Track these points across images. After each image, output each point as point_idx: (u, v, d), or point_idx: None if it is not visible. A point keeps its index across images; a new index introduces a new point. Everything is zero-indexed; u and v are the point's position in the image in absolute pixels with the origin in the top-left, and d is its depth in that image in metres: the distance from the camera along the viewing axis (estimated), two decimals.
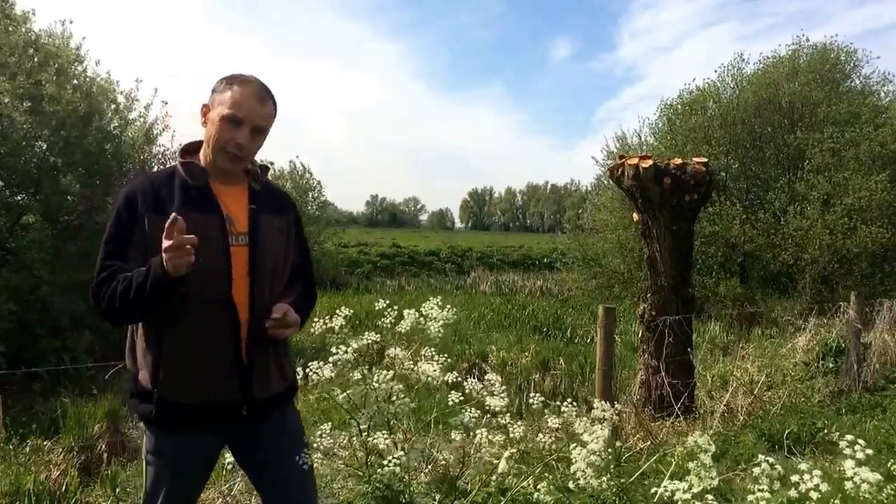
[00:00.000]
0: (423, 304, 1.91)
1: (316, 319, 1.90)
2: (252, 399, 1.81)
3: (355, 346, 1.80)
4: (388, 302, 1.90)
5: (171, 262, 1.59)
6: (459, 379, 1.90)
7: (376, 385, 1.76)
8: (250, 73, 1.86)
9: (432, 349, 1.92)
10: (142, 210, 1.74)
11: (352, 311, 1.89)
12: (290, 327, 1.80)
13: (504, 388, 1.83)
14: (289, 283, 1.94)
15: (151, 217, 1.72)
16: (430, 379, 1.84)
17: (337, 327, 1.84)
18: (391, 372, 1.80)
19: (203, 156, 1.86)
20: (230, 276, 1.77)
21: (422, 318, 1.88)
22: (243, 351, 1.79)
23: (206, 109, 1.84)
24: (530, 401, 1.82)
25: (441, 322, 1.87)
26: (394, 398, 1.77)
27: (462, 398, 1.80)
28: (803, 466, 1.19)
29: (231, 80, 1.82)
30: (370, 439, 1.72)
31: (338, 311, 1.85)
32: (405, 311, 1.89)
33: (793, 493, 1.18)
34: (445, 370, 1.88)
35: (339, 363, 1.81)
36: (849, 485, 1.14)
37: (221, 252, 1.76)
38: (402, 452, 1.69)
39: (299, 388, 2.01)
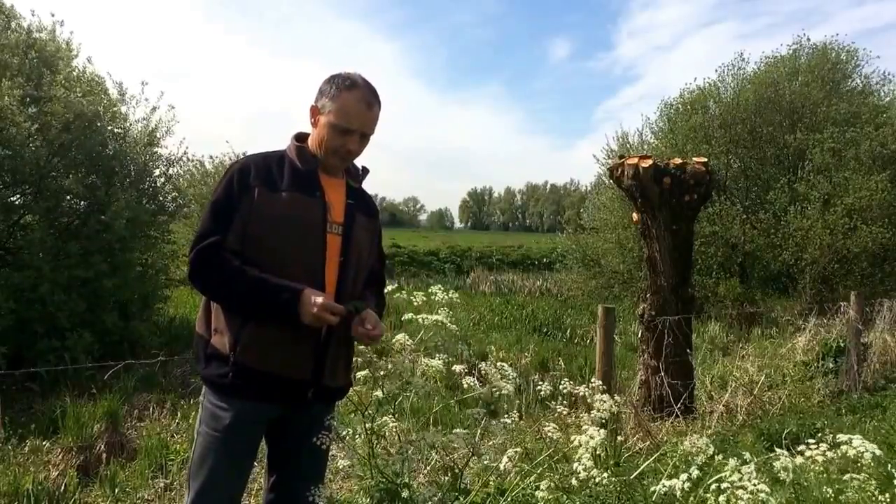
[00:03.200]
0: (431, 288, 2.01)
1: None
2: (320, 384, 1.87)
3: None
4: (397, 284, 1.98)
5: (311, 318, 1.73)
6: (465, 370, 1.94)
7: (390, 368, 1.79)
8: (357, 74, 1.95)
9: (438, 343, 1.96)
10: (254, 182, 1.84)
11: None
12: (378, 331, 1.87)
13: (515, 374, 1.86)
14: (365, 284, 2.02)
15: (261, 190, 1.84)
16: (435, 370, 1.87)
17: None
18: (407, 356, 1.85)
19: (312, 147, 1.96)
20: (324, 260, 1.86)
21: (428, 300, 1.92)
22: (323, 334, 1.85)
23: (315, 111, 1.94)
24: (561, 388, 1.85)
25: (445, 302, 1.92)
26: (409, 377, 1.81)
27: (473, 385, 1.84)
28: (811, 441, 1.25)
29: (340, 86, 1.90)
30: (377, 423, 1.75)
31: None
32: (414, 293, 1.95)
33: (799, 459, 1.22)
34: (449, 364, 1.91)
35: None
36: (851, 452, 1.19)
37: (320, 235, 1.87)
38: (411, 440, 1.70)
39: None
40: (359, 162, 2.04)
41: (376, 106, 1.94)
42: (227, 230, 1.81)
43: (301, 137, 2.00)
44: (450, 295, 1.97)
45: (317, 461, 1.97)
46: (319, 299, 1.73)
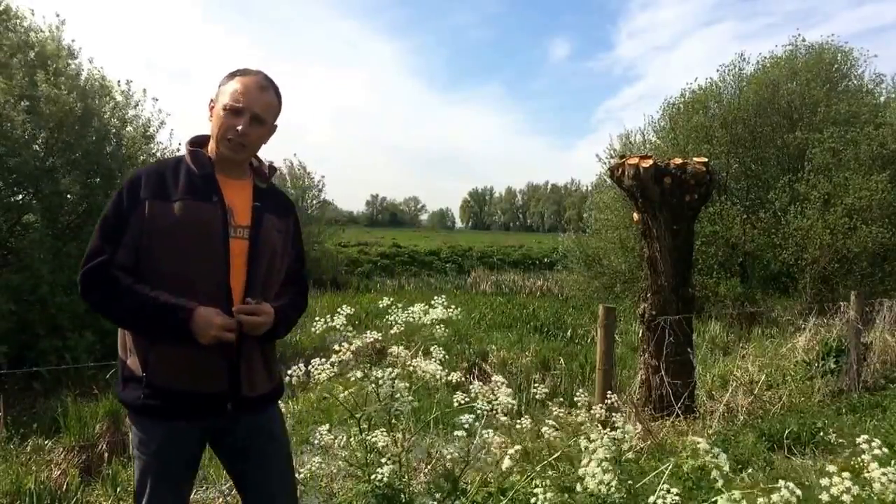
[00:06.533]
0: (433, 300, 1.93)
1: (317, 319, 1.92)
2: (239, 395, 1.81)
3: (358, 343, 1.82)
4: (391, 300, 1.92)
5: (209, 339, 1.68)
6: (462, 379, 1.91)
7: (379, 383, 1.77)
8: (256, 68, 1.89)
9: (438, 348, 1.92)
10: (144, 194, 1.75)
11: (352, 310, 1.92)
12: (261, 318, 1.77)
13: (510, 390, 1.83)
14: (282, 286, 1.95)
15: (153, 202, 1.74)
16: (431, 377, 1.85)
17: (339, 325, 1.86)
18: (395, 370, 1.81)
19: (210, 149, 1.88)
20: (227, 266, 1.77)
21: (424, 315, 1.88)
22: (235, 343, 1.78)
23: (211, 104, 1.88)
24: (534, 393, 1.84)
25: (442, 318, 1.87)
26: (397, 395, 1.78)
27: (467, 399, 1.80)
28: (831, 468, 1.17)
29: (234, 73, 1.87)
30: (370, 437, 1.73)
31: (339, 310, 1.88)
32: (413, 307, 1.90)
33: (825, 496, 1.15)
34: (448, 368, 1.89)
35: (340, 362, 1.83)
36: (877, 486, 1.12)
37: (220, 241, 1.77)
38: (401, 450, 1.70)
39: (302, 387, 2.02)
40: (265, 159, 1.97)
41: (271, 91, 1.87)
42: (115, 247, 1.72)
43: (197, 141, 1.91)
44: (449, 312, 1.85)
45: (275, 468, 1.91)
46: (218, 320, 1.68)
